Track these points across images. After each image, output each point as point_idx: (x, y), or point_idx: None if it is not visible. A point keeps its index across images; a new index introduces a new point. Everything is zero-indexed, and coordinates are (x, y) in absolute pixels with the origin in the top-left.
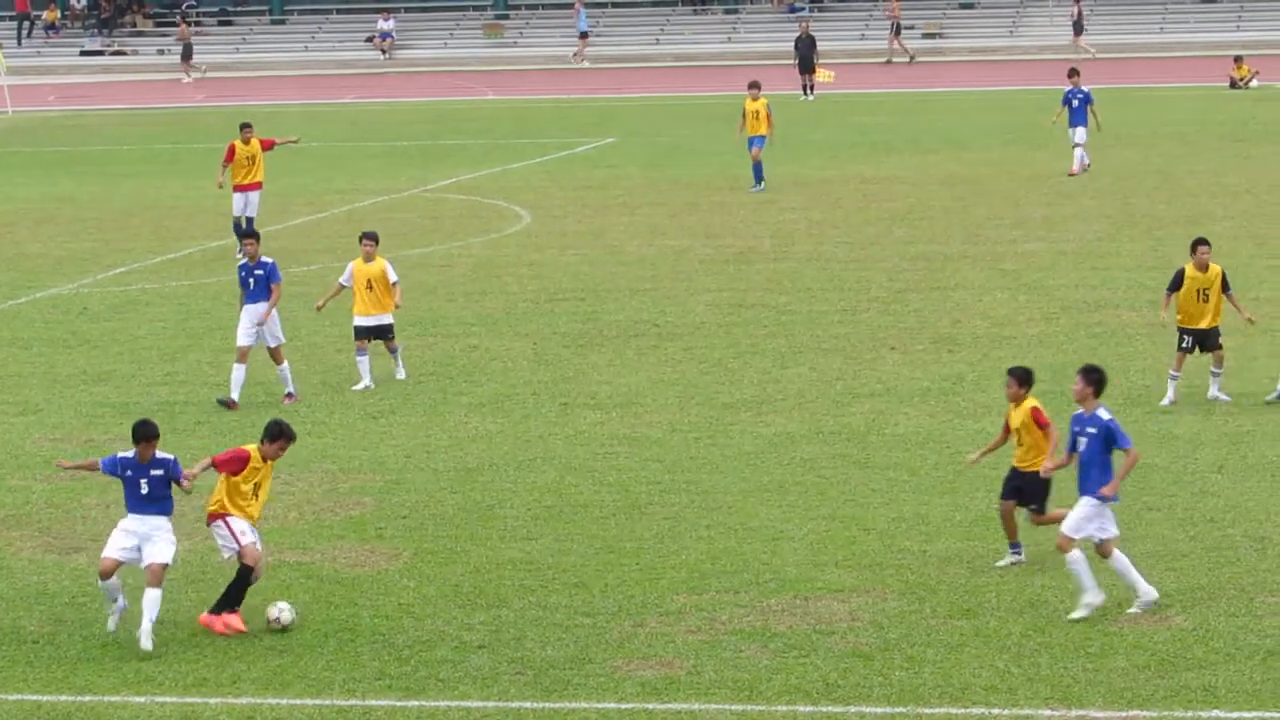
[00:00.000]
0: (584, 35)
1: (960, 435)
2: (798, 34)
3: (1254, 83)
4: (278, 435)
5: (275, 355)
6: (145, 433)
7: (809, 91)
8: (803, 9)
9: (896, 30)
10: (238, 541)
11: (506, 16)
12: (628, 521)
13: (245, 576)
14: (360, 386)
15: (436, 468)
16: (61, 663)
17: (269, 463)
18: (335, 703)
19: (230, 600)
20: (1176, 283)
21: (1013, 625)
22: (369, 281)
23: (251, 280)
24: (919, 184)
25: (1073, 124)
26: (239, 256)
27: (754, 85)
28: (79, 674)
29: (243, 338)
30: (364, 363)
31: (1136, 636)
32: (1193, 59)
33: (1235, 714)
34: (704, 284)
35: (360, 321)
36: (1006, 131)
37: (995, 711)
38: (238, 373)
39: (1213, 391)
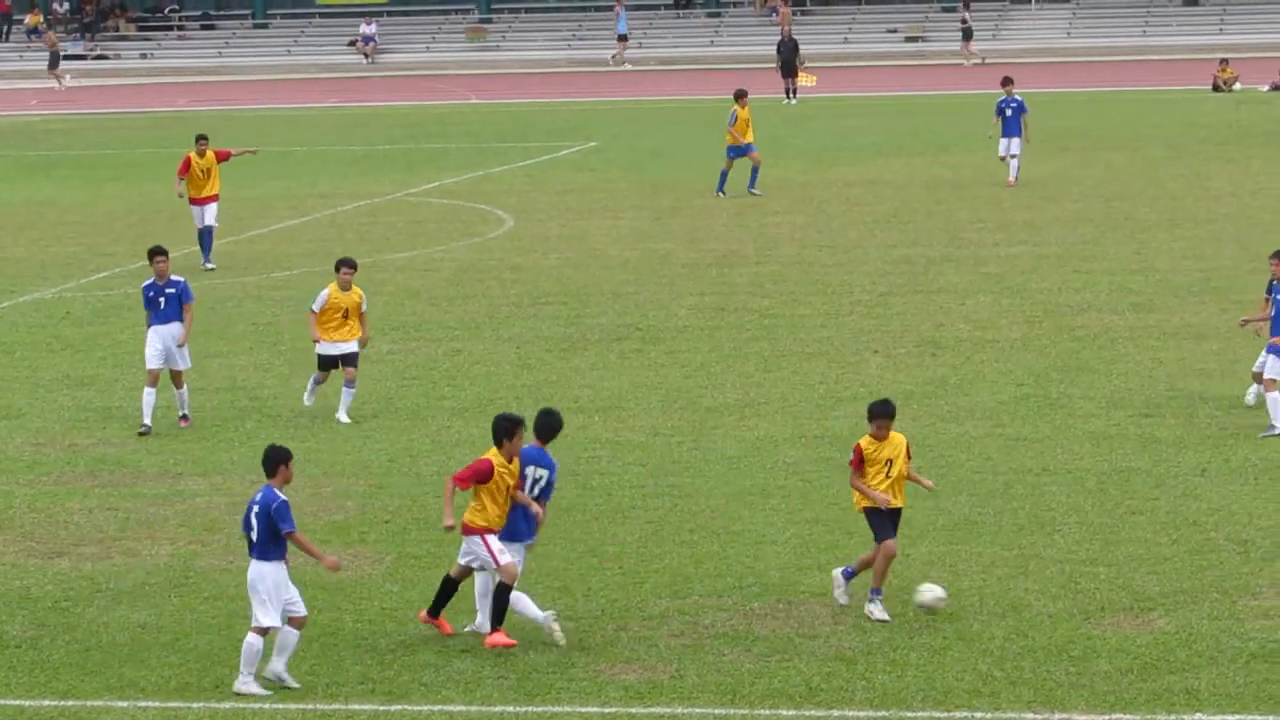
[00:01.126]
0: (623, 38)
1: (944, 439)
2: (780, 37)
3: (1236, 86)
4: (512, 428)
5: (178, 379)
6: (284, 455)
7: (791, 95)
8: None
9: None
10: (496, 561)
11: (489, 20)
12: (611, 525)
13: (504, 593)
14: (309, 402)
15: (420, 472)
16: (44, 667)
17: (514, 461)
18: (318, 707)
19: (498, 617)
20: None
21: (995, 629)
22: (345, 311)
23: (162, 300)
24: (902, 187)
25: (1006, 134)
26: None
27: (744, 94)
28: (61, 678)
29: (153, 360)
30: (314, 390)
31: (1119, 640)
32: (1176, 62)
33: (1218, 717)
34: (687, 288)
35: (326, 350)
36: (989, 135)
37: (978, 715)
38: (149, 396)
39: None
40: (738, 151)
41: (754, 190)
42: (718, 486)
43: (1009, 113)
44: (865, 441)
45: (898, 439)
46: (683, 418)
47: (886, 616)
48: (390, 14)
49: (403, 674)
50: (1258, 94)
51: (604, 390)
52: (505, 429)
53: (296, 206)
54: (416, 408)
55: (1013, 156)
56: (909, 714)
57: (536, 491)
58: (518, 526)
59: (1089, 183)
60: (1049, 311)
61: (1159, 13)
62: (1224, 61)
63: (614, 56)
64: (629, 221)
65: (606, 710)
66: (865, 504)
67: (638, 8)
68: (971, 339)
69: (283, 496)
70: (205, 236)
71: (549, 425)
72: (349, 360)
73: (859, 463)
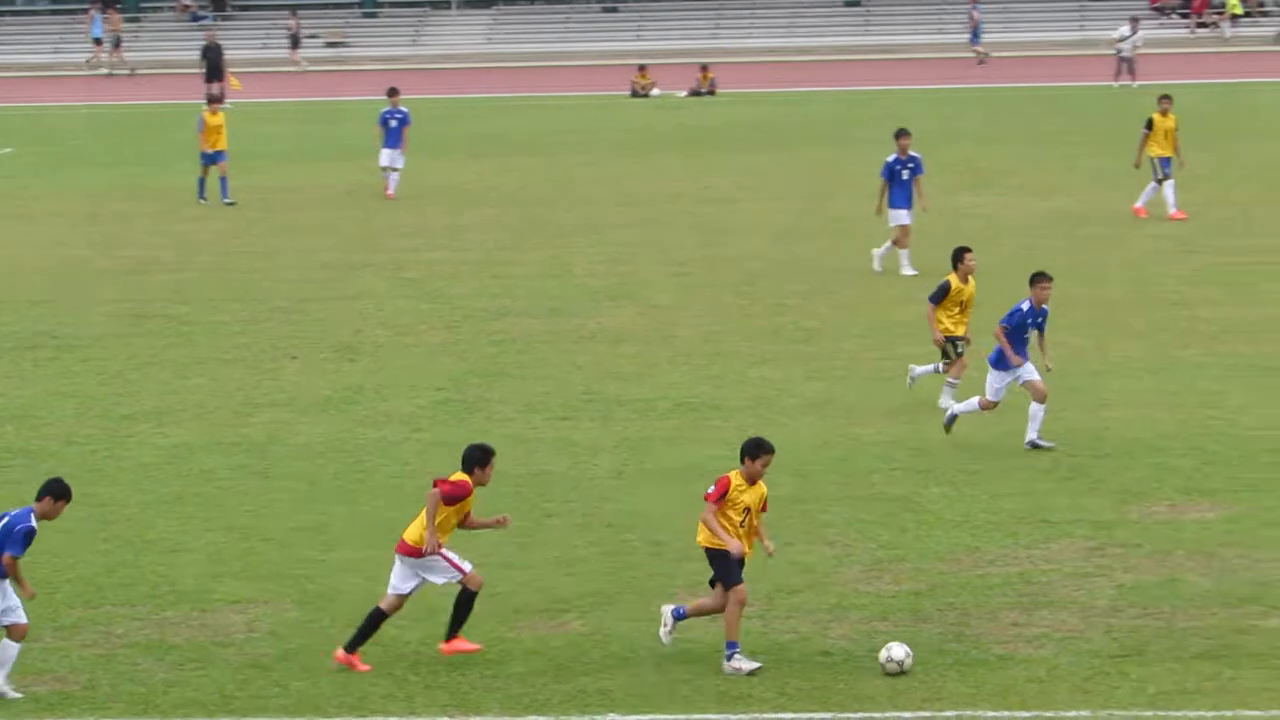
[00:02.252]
0: (98, 41)
1: (361, 444)
2: (204, 43)
3: (654, 91)
4: (485, 457)
5: None
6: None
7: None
8: (206, 17)
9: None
10: (460, 570)
11: None
12: None
13: (471, 601)
14: None
15: None
16: None
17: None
18: None
19: (460, 624)
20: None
21: (411, 634)
22: None
23: None
24: (322, 192)
25: (389, 145)
26: None
27: (214, 99)
28: None
29: None
30: None
31: (534, 643)
32: (596, 67)
33: (630, 717)
34: (103, 294)
35: None
36: (411, 141)
37: None
38: None
39: (945, 400)
40: (209, 159)
41: (227, 200)
42: (132, 495)
43: (393, 124)
44: (736, 478)
45: (761, 487)
46: (98, 425)
47: (755, 664)
48: None
49: None
50: (675, 99)
51: (16, 398)
52: (478, 458)
53: None
54: None
55: (394, 169)
56: None
57: None
58: None
59: (508, 188)
60: (468, 316)
61: (579, 18)
62: (642, 68)
63: (89, 60)
64: (45, 228)
65: None
66: (713, 544)
67: (54, 12)
68: (391, 344)
69: (33, 524)
70: None
71: None
72: None
73: (719, 498)
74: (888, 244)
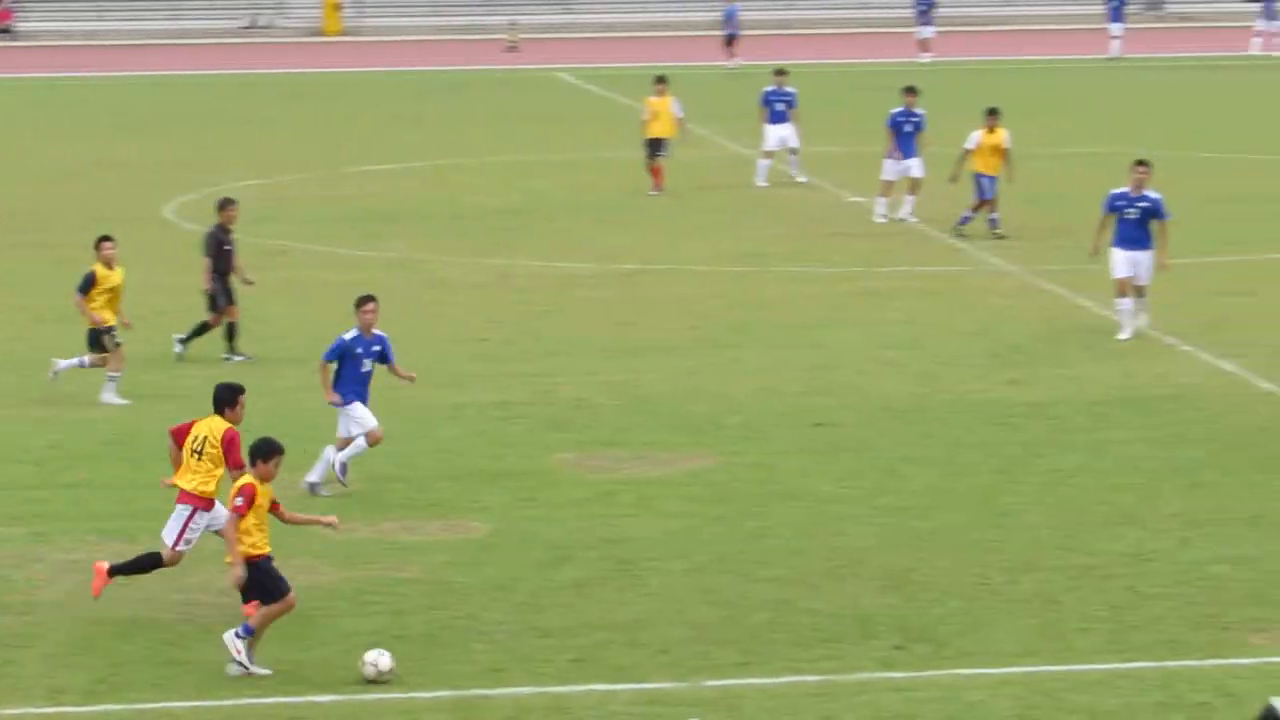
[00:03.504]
0: None
1: None
2: None
3: None
4: (234, 396)
5: None
6: None
7: None
8: None
9: None
10: (179, 541)
11: None
12: None
13: (155, 564)
14: None
15: None
16: None
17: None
18: None
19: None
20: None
21: None
22: None
23: None
24: None
25: None
26: None
27: None
28: None
29: None
30: None
31: None
32: None
33: None
34: None
35: None
36: None
37: None
38: None
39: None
40: None
41: None
42: None
43: None
44: (258, 483)
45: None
46: None
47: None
48: None
49: None
50: None
51: None
52: (227, 398)
53: None
54: None
55: None
56: None
57: None
58: None
59: None
60: None
61: None
62: None
63: None
64: None
65: None
66: (254, 553)
67: None
68: None
69: None
70: None
71: None
72: None
73: (247, 507)
74: None
